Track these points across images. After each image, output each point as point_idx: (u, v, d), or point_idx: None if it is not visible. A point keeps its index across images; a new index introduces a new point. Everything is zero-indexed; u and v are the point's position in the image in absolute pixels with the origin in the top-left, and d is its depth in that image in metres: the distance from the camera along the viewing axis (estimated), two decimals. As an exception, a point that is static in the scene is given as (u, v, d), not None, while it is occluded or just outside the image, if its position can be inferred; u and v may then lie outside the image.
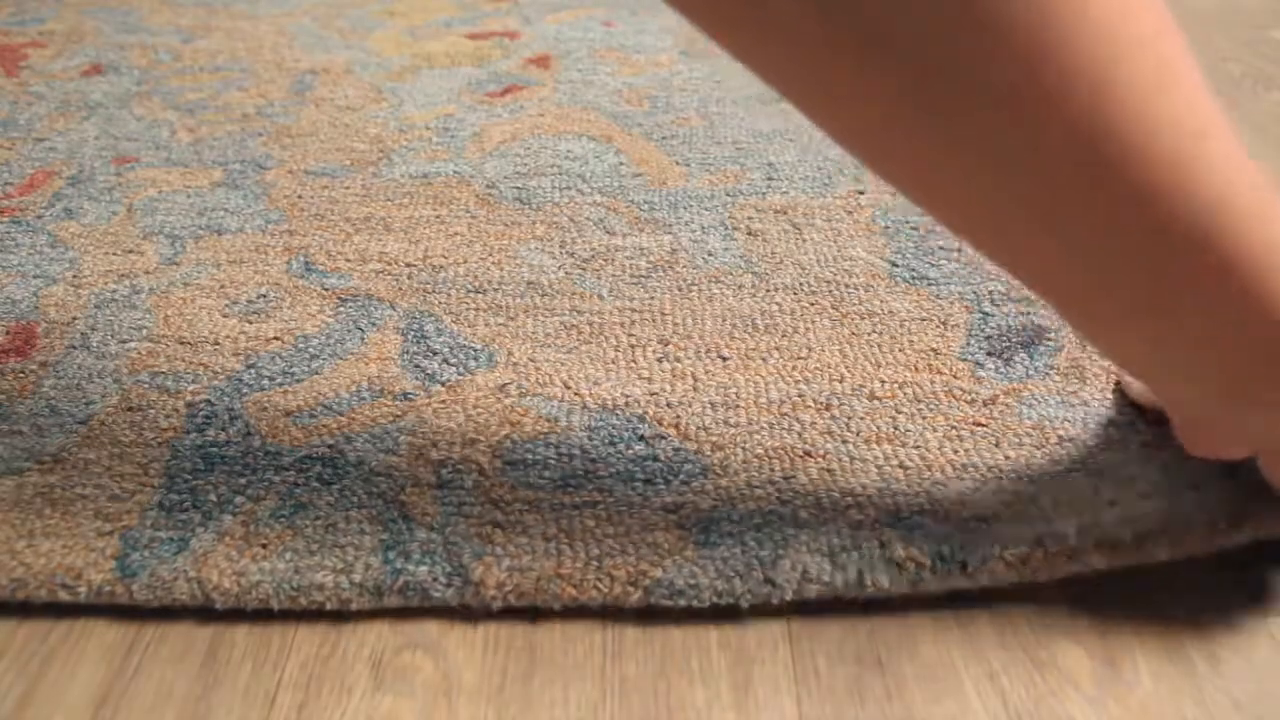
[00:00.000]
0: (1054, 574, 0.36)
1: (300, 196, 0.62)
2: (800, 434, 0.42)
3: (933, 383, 0.45)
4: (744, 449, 0.42)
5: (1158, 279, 0.27)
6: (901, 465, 0.41)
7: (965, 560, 0.36)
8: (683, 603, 0.36)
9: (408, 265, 0.54)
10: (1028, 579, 0.36)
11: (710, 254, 0.55)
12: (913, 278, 0.53)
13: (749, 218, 0.58)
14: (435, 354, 0.48)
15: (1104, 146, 0.25)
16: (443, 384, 0.46)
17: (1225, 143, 0.28)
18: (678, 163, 0.65)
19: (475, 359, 0.47)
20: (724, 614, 0.37)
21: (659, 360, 0.47)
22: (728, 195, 0.61)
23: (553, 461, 0.41)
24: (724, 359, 0.47)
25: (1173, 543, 0.37)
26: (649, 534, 0.38)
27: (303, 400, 0.45)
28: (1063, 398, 0.44)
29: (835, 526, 0.38)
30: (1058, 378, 0.46)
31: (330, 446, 0.42)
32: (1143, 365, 0.32)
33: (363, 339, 0.49)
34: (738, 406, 0.44)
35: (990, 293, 0.51)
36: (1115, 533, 0.37)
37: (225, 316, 0.51)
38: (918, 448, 0.42)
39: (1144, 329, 0.29)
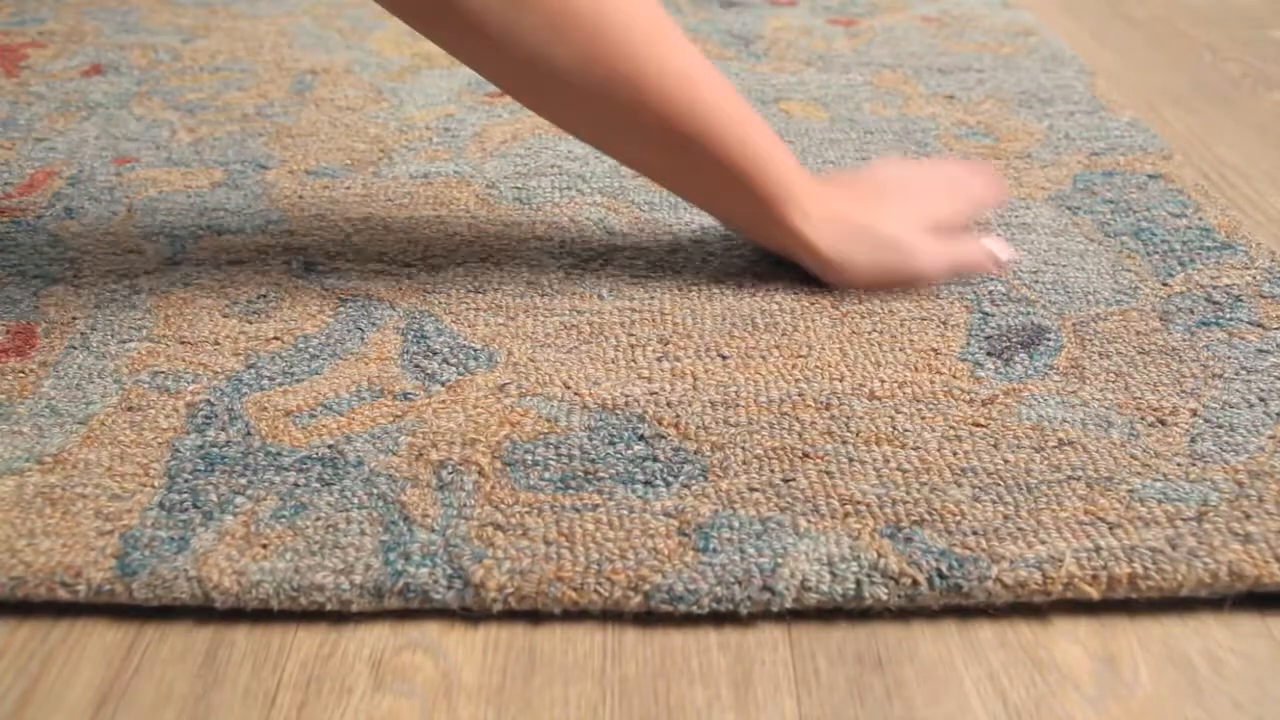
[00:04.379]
0: (1050, 598, 0.36)
1: (300, 197, 0.62)
2: (800, 434, 0.43)
3: (932, 383, 0.45)
4: (744, 449, 0.42)
5: (695, 171, 0.47)
6: (900, 469, 0.41)
7: (961, 583, 0.36)
8: (682, 608, 0.36)
9: (408, 265, 0.54)
10: (1024, 600, 0.36)
11: (710, 254, 0.55)
12: (913, 278, 0.53)
13: (749, 218, 0.58)
14: (435, 354, 0.48)
15: (637, 93, 0.43)
16: (443, 384, 0.46)
17: (707, 75, 0.45)
18: (678, 163, 0.65)
19: (475, 359, 0.47)
20: (724, 615, 0.37)
21: (659, 360, 0.47)
22: (728, 195, 0.61)
23: (553, 462, 0.41)
24: (724, 358, 0.47)
25: (1167, 581, 0.36)
26: (649, 539, 0.38)
27: (303, 400, 0.45)
28: (1062, 398, 0.44)
29: (835, 535, 0.38)
30: (1057, 378, 0.46)
31: (330, 446, 0.42)
32: (715, 217, 0.54)
33: (363, 339, 0.49)
34: (737, 405, 0.44)
35: (990, 293, 0.51)
36: (1113, 566, 0.36)
37: (225, 316, 0.51)
38: (917, 449, 0.42)
39: (700, 200, 0.51)
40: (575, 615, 0.37)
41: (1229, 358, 0.47)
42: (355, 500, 0.40)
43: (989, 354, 0.47)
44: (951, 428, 0.43)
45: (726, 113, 0.45)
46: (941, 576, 0.36)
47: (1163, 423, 0.43)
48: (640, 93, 0.43)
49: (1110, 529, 0.38)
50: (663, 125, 0.44)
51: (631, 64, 0.42)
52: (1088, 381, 0.45)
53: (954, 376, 0.46)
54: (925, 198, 0.53)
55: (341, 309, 0.51)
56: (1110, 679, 0.34)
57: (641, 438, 0.42)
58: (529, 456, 0.42)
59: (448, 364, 0.47)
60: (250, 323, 0.50)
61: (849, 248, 0.50)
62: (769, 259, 0.54)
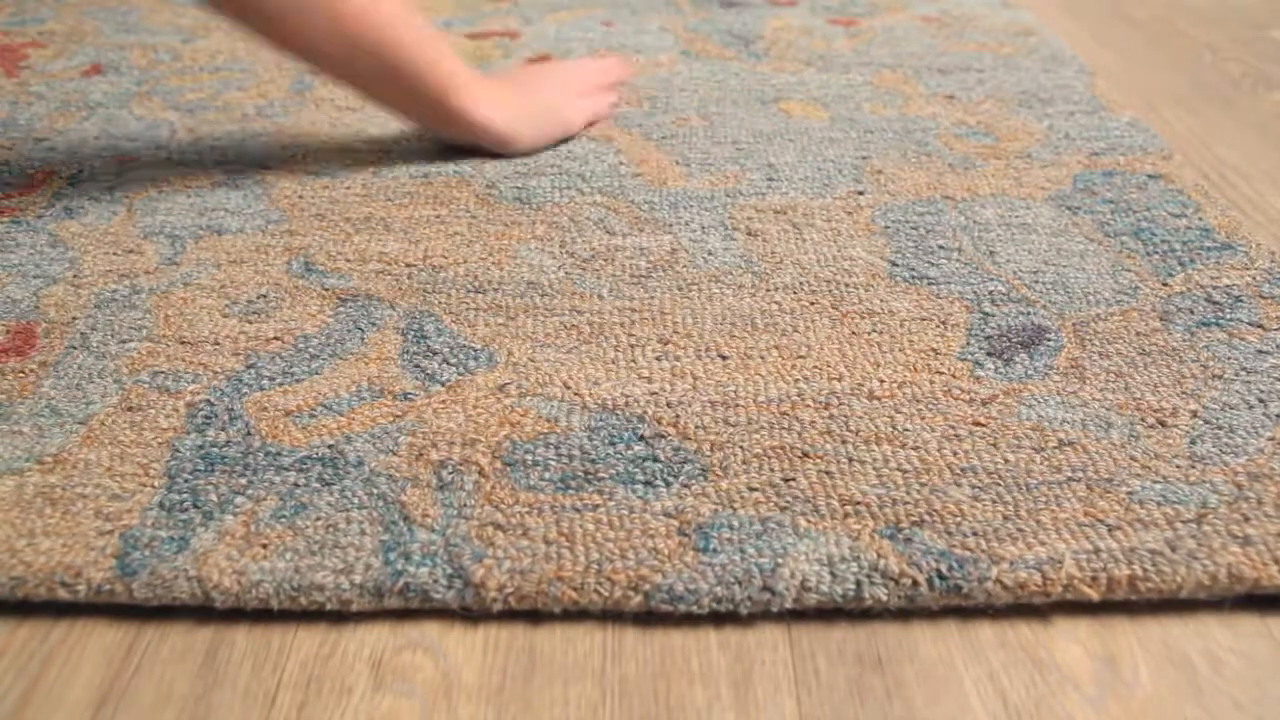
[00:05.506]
0: (1049, 599, 0.36)
1: (300, 196, 0.62)
2: (800, 433, 0.43)
3: (932, 383, 0.45)
4: (743, 449, 0.42)
5: (382, 78, 0.60)
6: (900, 469, 0.41)
7: (960, 584, 0.36)
8: (682, 608, 0.36)
9: (408, 265, 0.54)
10: (1024, 601, 0.36)
11: (710, 254, 0.55)
12: (912, 277, 0.53)
13: (749, 218, 0.59)
14: (435, 354, 0.48)
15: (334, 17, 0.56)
16: (443, 384, 0.46)
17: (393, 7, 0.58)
18: (677, 163, 0.65)
19: (475, 359, 0.47)
20: (724, 615, 0.37)
21: (659, 360, 0.47)
22: (727, 195, 0.61)
23: (553, 462, 0.41)
24: (724, 358, 0.47)
25: (1166, 583, 0.36)
26: (649, 539, 0.38)
27: (303, 400, 0.45)
28: (1062, 398, 0.44)
29: (834, 536, 0.38)
30: (1057, 378, 0.46)
31: (330, 446, 0.42)
32: (408, 117, 0.66)
33: (363, 339, 0.49)
34: (737, 405, 0.44)
35: (990, 293, 0.51)
36: (1113, 568, 0.36)
37: (225, 316, 0.51)
38: (916, 449, 0.42)
39: (391, 102, 0.63)
40: (575, 615, 0.37)
41: (1229, 358, 0.47)
42: (355, 500, 0.40)
43: (989, 354, 0.47)
44: (951, 428, 0.43)
45: (401, 32, 0.58)
46: (941, 577, 0.36)
47: (1163, 424, 0.43)
48: (336, 19, 0.56)
49: (1110, 531, 0.38)
50: (351, 42, 0.57)
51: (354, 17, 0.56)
52: (1088, 382, 0.45)
53: (954, 376, 0.46)
54: (568, 74, 0.70)
55: (341, 309, 0.51)
56: (1110, 679, 0.34)
57: (641, 438, 0.42)
58: (529, 456, 0.42)
59: (448, 364, 0.47)
60: (250, 323, 0.50)
61: (516, 121, 0.64)
62: (769, 259, 0.54)
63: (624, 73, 0.76)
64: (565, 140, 0.67)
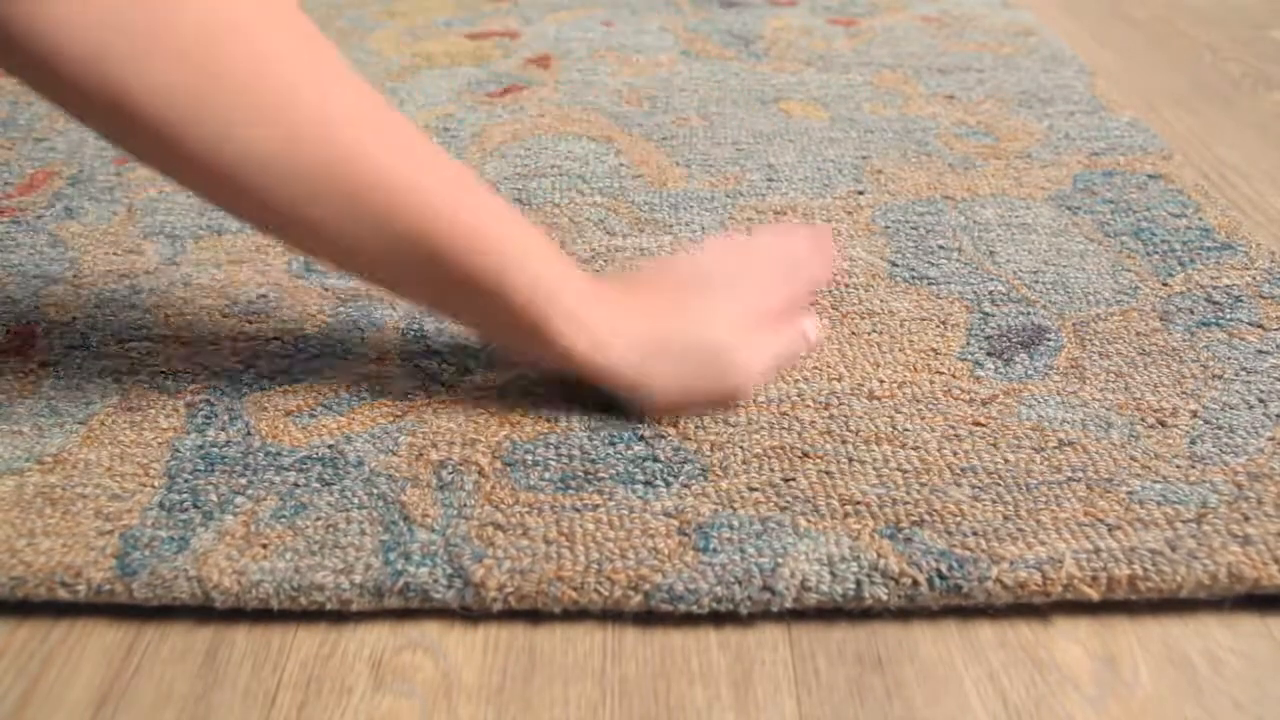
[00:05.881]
0: (1050, 599, 0.36)
1: (300, 196, 0.62)
2: (799, 433, 0.43)
3: (932, 383, 0.45)
4: (743, 449, 0.42)
5: (432, 285, 0.38)
6: (900, 469, 0.41)
7: (960, 584, 0.36)
8: (683, 608, 0.36)
9: (408, 265, 0.54)
10: (1024, 601, 0.36)
11: (710, 254, 0.55)
12: (912, 277, 0.53)
13: (749, 219, 0.59)
14: (435, 354, 0.48)
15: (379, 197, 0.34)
16: (443, 384, 0.46)
17: (436, 173, 0.36)
18: (678, 164, 0.65)
19: (475, 359, 0.47)
20: (724, 615, 0.37)
21: (659, 360, 0.47)
22: (728, 196, 0.61)
23: (553, 462, 0.41)
24: (724, 359, 0.47)
25: (1166, 583, 0.36)
26: (649, 539, 0.38)
27: (303, 400, 0.45)
28: (1062, 398, 0.44)
29: (834, 536, 0.38)
30: (1057, 378, 0.46)
31: (330, 446, 0.42)
32: (476, 333, 0.45)
33: (363, 339, 0.49)
34: (737, 405, 0.44)
35: (990, 293, 0.51)
36: (1113, 568, 0.36)
37: (225, 316, 0.51)
38: (916, 449, 0.42)
39: (446, 313, 0.43)
40: (575, 615, 0.37)
41: (1229, 358, 0.47)
42: (355, 500, 0.40)
43: (989, 354, 0.47)
44: (951, 428, 0.43)
45: (460, 217, 0.36)
46: (941, 577, 0.36)
47: (1163, 424, 0.43)
48: (356, 200, 0.34)
49: (1110, 530, 0.38)
50: (386, 238, 0.35)
51: (342, 160, 0.33)
52: (1088, 382, 0.45)
53: (954, 376, 0.46)
54: (752, 287, 0.44)
55: (341, 309, 0.51)
56: (1110, 679, 0.34)
57: (641, 438, 0.42)
58: (529, 456, 0.42)
59: (448, 364, 0.47)
60: (250, 323, 0.50)
61: (648, 365, 0.40)
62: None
63: (830, 261, 0.50)
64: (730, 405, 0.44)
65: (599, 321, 0.39)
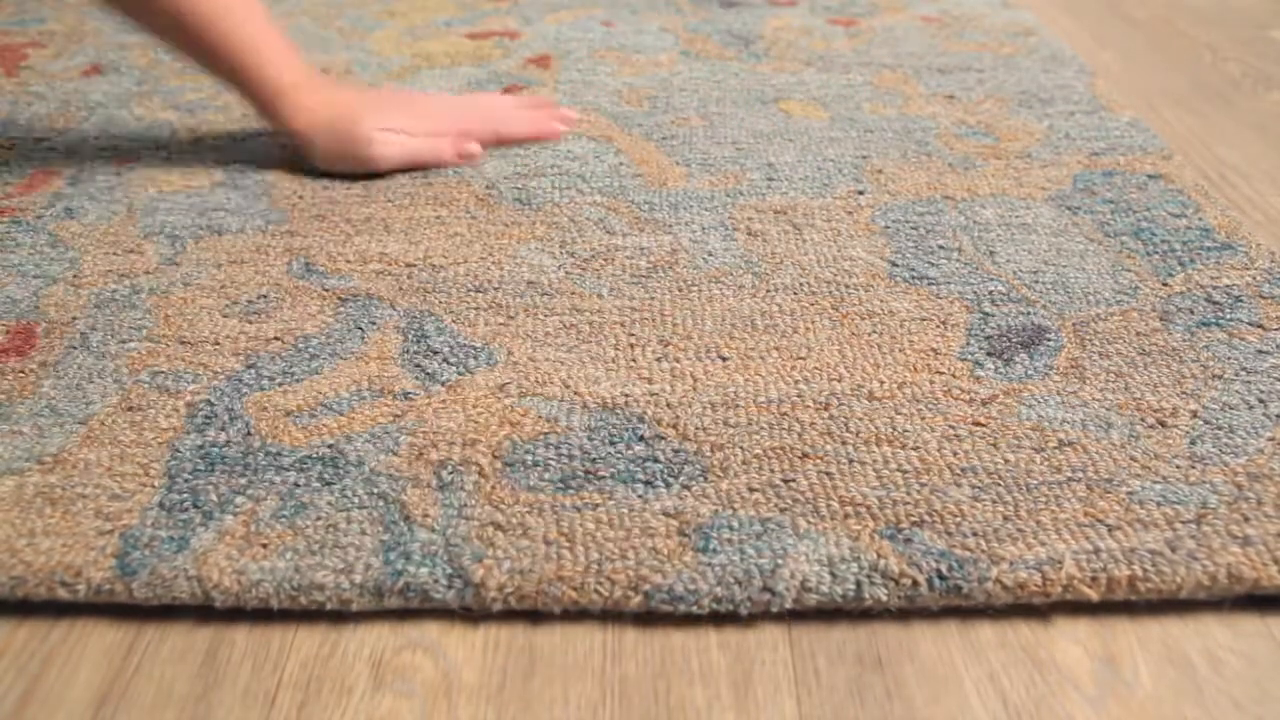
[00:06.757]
0: (1049, 599, 0.36)
1: (300, 197, 0.62)
2: (799, 434, 0.43)
3: (932, 383, 0.45)
4: (743, 449, 0.42)
5: (218, 61, 0.61)
6: (900, 469, 0.41)
7: (960, 585, 0.36)
8: (682, 609, 0.36)
9: (408, 265, 0.54)
10: (1024, 601, 0.36)
11: (710, 254, 0.55)
12: (912, 277, 0.53)
13: (749, 218, 0.59)
14: (435, 354, 0.48)
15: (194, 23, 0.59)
16: (443, 384, 0.46)
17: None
18: (678, 163, 0.65)
19: (475, 359, 0.47)
20: (724, 615, 0.37)
21: (659, 360, 0.47)
22: (728, 196, 0.61)
23: (553, 462, 0.41)
24: (723, 359, 0.47)
25: (1166, 583, 0.36)
26: (649, 539, 0.38)
27: (303, 400, 0.45)
28: (1062, 398, 0.44)
29: (834, 536, 0.38)
30: (1057, 378, 0.46)
31: (330, 446, 0.42)
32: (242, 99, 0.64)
33: (363, 339, 0.49)
34: (737, 406, 0.44)
35: (990, 293, 0.51)
36: (1113, 569, 0.36)
37: (225, 316, 0.51)
38: (916, 449, 0.42)
39: (226, 83, 0.63)
40: (575, 615, 0.37)
41: (1229, 358, 0.47)
42: (355, 500, 0.40)
43: (989, 354, 0.47)
44: (951, 428, 0.43)
45: (243, 27, 0.60)
46: (941, 577, 0.36)
47: (1163, 424, 0.43)
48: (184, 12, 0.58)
49: (1110, 531, 0.38)
50: (196, 31, 0.59)
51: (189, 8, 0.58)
52: (1088, 382, 0.45)
53: (954, 376, 0.46)
54: (427, 113, 0.66)
55: (341, 309, 0.51)
56: (1110, 679, 0.34)
57: (641, 438, 0.42)
58: (529, 456, 0.42)
59: (448, 364, 0.47)
60: (250, 323, 0.50)
61: (320, 135, 0.62)
62: (769, 259, 0.54)
63: (540, 131, 0.68)
64: (370, 175, 0.63)
65: (310, 102, 0.62)
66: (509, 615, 0.37)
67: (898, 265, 0.54)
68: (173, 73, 0.80)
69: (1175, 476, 0.40)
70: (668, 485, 0.40)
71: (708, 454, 0.42)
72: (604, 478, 0.40)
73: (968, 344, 0.48)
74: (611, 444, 0.42)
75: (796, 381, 0.46)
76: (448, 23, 0.91)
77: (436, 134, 0.65)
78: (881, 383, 0.45)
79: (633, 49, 0.84)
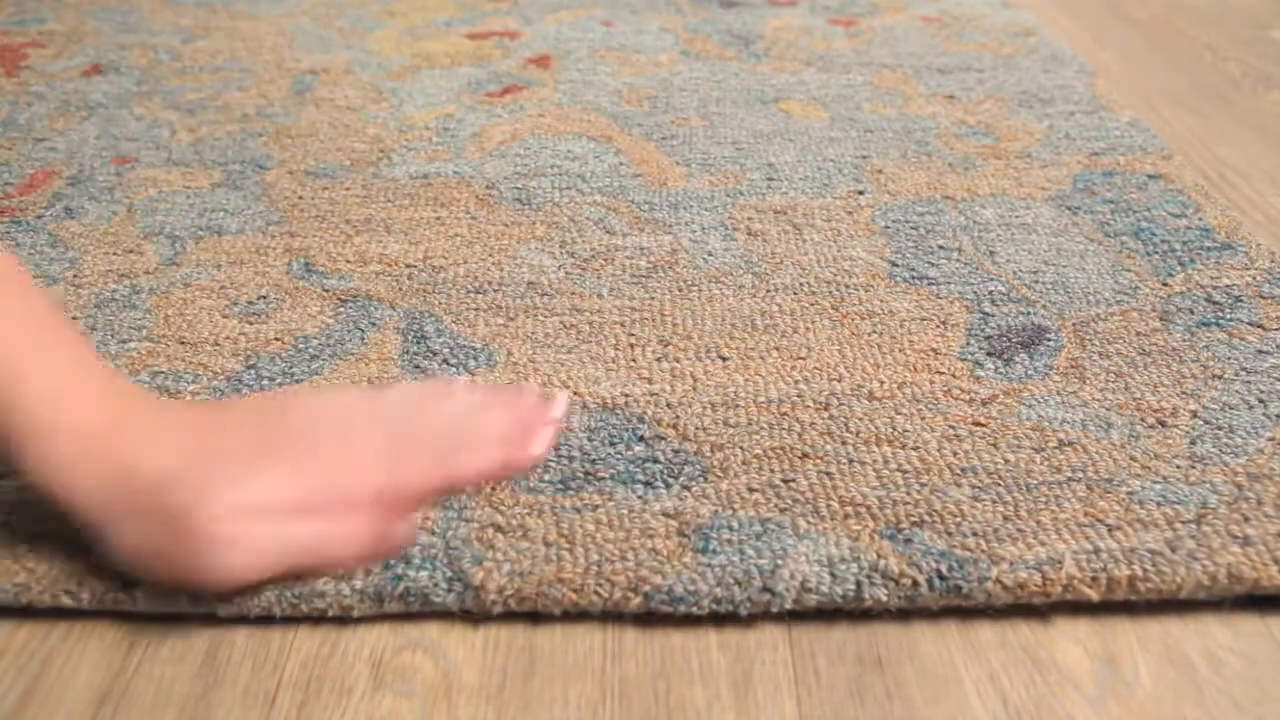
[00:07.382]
0: (1049, 599, 0.36)
1: (300, 197, 0.62)
2: (799, 434, 0.43)
3: (932, 383, 0.45)
4: (743, 449, 0.42)
5: None
6: (900, 469, 0.41)
7: (960, 585, 0.36)
8: (682, 609, 0.36)
9: (408, 266, 0.54)
10: (1024, 601, 0.36)
11: (710, 254, 0.55)
12: (912, 278, 0.53)
13: (749, 218, 0.59)
14: (435, 354, 0.48)
15: None
16: (443, 384, 0.46)
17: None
18: (678, 163, 0.65)
19: (475, 359, 0.47)
20: (724, 615, 0.37)
21: (659, 360, 0.47)
22: (728, 196, 0.61)
23: (552, 463, 0.41)
24: (723, 359, 0.47)
25: (1166, 583, 0.36)
26: (649, 540, 0.38)
27: (303, 401, 0.45)
28: (1062, 398, 0.44)
29: (834, 537, 0.38)
30: (1057, 378, 0.46)
31: (330, 447, 0.42)
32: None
33: (363, 339, 0.49)
34: (737, 406, 0.44)
35: (990, 293, 0.51)
36: (1113, 569, 0.36)
37: (225, 317, 0.51)
38: (916, 449, 0.42)
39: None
40: (575, 614, 0.37)
41: (1229, 358, 0.47)
42: (355, 501, 0.40)
43: (989, 354, 0.47)
44: (951, 428, 0.43)
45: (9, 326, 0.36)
46: (941, 578, 0.36)
47: (1163, 424, 0.43)
48: None
49: (1110, 531, 0.38)
50: None
51: None
52: (1088, 382, 0.45)
53: (954, 376, 0.46)
54: (351, 461, 0.37)
55: (341, 309, 0.51)
56: (1110, 679, 0.34)
57: (641, 438, 0.42)
58: (529, 457, 0.42)
59: (448, 364, 0.47)
60: (250, 323, 0.50)
61: (119, 518, 0.35)
62: (769, 259, 0.54)
63: (520, 452, 0.40)
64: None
65: (79, 460, 0.35)
66: (509, 615, 0.37)
67: (898, 265, 0.54)
68: (173, 73, 0.81)
69: (1175, 476, 0.40)
70: (667, 486, 0.40)
71: (708, 454, 0.42)
72: (604, 478, 0.40)
73: (968, 344, 0.48)
74: (611, 444, 0.42)
75: (796, 381, 0.46)
76: (448, 23, 0.91)
77: (340, 506, 0.36)
78: (881, 383, 0.45)
79: (633, 49, 0.84)
